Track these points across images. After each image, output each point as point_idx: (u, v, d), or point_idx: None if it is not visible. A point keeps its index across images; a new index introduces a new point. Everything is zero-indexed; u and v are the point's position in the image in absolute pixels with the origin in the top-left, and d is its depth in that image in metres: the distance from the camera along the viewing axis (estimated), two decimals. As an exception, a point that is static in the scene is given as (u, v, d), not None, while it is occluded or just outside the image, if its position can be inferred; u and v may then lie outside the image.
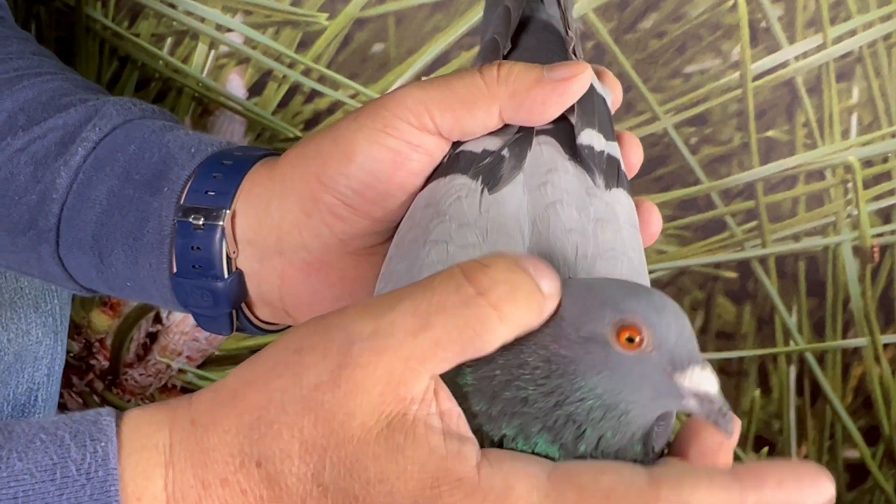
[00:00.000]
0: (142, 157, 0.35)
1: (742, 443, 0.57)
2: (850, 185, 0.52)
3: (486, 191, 0.29)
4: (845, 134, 0.51)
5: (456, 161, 0.31)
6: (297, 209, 0.33)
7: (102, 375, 0.64)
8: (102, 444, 0.26)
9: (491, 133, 0.31)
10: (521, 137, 0.31)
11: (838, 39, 0.49)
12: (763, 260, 0.54)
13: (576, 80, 0.30)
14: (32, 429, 0.27)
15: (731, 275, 0.54)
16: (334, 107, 0.54)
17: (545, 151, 0.31)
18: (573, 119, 0.31)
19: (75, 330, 0.62)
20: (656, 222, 0.32)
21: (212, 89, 0.55)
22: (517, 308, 0.25)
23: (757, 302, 0.54)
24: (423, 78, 0.53)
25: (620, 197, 0.30)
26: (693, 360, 0.25)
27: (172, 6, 0.54)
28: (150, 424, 0.27)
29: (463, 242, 0.28)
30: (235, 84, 0.54)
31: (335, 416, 0.25)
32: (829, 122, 0.51)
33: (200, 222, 0.34)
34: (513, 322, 0.25)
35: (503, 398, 0.25)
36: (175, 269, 0.35)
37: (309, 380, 0.25)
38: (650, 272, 0.54)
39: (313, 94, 0.54)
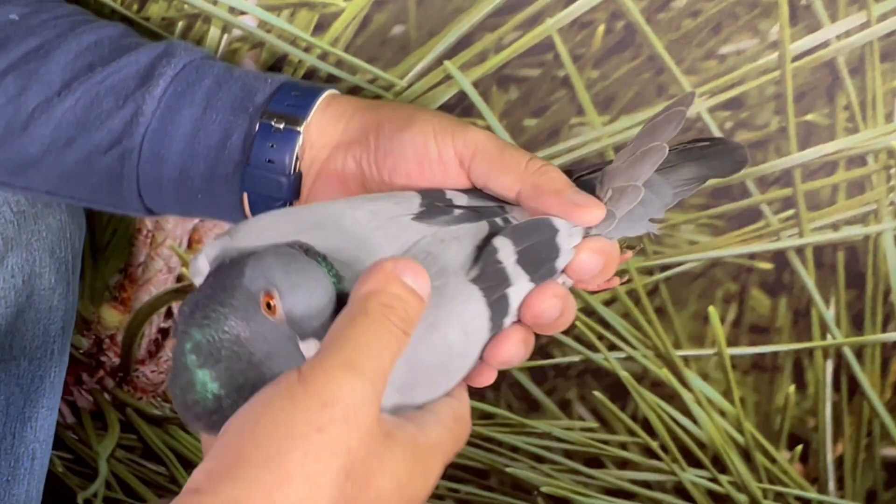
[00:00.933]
0: (220, 88, 0.42)
1: (775, 441, 0.55)
2: (892, 171, 0.50)
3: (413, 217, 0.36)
4: (889, 117, 0.49)
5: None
6: (354, 132, 0.40)
7: (113, 373, 0.62)
8: None
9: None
10: (487, 211, 0.37)
11: (883, 17, 0.47)
12: (800, 250, 0.51)
13: (584, 212, 0.36)
14: None
15: (767, 266, 0.52)
16: (353, 92, 0.52)
17: (478, 232, 0.36)
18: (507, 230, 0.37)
19: (85, 326, 0.60)
20: (512, 346, 0.36)
21: None
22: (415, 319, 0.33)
23: (793, 294, 0.52)
24: (447, 61, 0.50)
25: (470, 295, 0.34)
26: (311, 336, 0.32)
27: (183, -12, 0.52)
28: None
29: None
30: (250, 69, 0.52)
31: (365, 464, 0.30)
32: (872, 104, 0.49)
33: (282, 126, 0.41)
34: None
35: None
36: (250, 162, 0.41)
37: (342, 449, 0.30)
38: (681, 263, 0.53)
39: (330, 79, 0.52)
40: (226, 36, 0.52)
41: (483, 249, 0.35)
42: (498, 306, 0.35)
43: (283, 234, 0.33)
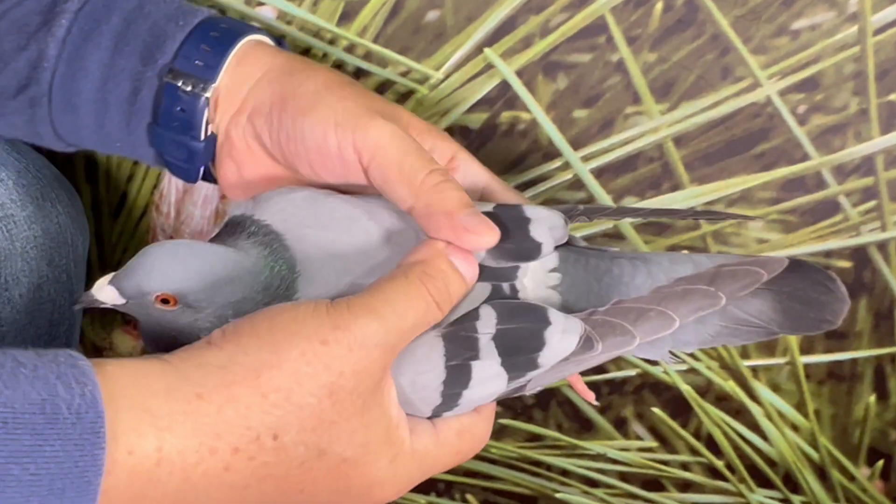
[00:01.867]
0: (128, 29, 0.40)
1: (854, 456, 0.51)
2: None
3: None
4: (984, 94, 0.45)
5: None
6: (258, 103, 0.39)
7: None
8: (90, 388, 0.30)
9: None
10: (498, 273, 0.36)
11: (977, -19, 0.43)
12: (882, 246, 0.48)
13: (472, 238, 0.35)
14: (8, 360, 0.30)
15: (845, 264, 0.48)
16: (383, 87, 0.48)
17: (477, 294, 0.36)
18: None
19: (96, 353, 0.57)
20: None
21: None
22: (452, 303, 0.35)
23: (874, 295, 0.48)
24: (487, 48, 0.46)
25: (432, 347, 0.35)
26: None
27: (195, -22, 0.48)
28: (137, 388, 0.31)
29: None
30: None
31: (350, 398, 0.33)
32: (964, 80, 0.45)
33: (189, 88, 0.39)
34: (448, 310, 0.35)
35: None
36: (158, 122, 0.40)
37: (335, 368, 0.32)
38: None
39: (359, 74, 0.48)
40: None
41: (468, 313, 0.34)
42: (456, 374, 0.34)
43: (301, 224, 0.36)
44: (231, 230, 0.37)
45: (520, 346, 0.34)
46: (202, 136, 0.39)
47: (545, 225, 0.36)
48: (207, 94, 0.39)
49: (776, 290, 0.35)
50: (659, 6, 0.45)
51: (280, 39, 0.41)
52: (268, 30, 0.48)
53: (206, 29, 0.39)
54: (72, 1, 0.40)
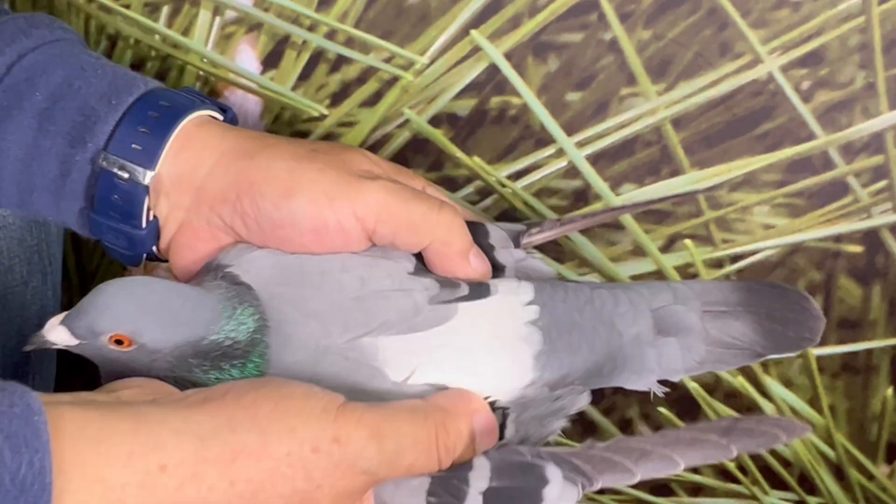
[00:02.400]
0: (54, 106, 0.37)
1: (872, 454, 0.50)
2: None
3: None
4: None
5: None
6: (219, 191, 0.36)
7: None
8: (39, 455, 0.28)
9: None
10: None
11: None
12: (895, 228, 0.46)
13: (478, 275, 0.37)
14: None
15: (856, 249, 0.46)
16: (366, 75, 0.47)
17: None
18: None
19: (84, 277, 0.55)
20: None
21: (219, 65, 0.48)
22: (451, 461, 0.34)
23: (888, 281, 0.47)
24: (473, 30, 0.45)
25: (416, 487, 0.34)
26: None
27: (167, -33, 0.47)
28: (95, 453, 0.29)
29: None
30: (246, 56, 0.47)
31: None
32: (976, 49, 0.43)
33: (126, 176, 0.36)
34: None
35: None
36: (94, 207, 0.37)
37: (315, 480, 0.31)
38: (755, 251, 0.48)
39: (340, 61, 0.47)
40: (218, 19, 0.47)
41: (462, 464, 0.34)
42: None
43: (272, 283, 0.35)
44: (201, 274, 0.36)
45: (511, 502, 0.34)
46: (143, 224, 0.37)
47: (502, 245, 0.38)
48: (146, 183, 0.36)
49: (754, 311, 0.36)
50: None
51: (226, 108, 0.39)
52: (243, 18, 0.47)
53: (143, 108, 0.37)
54: None
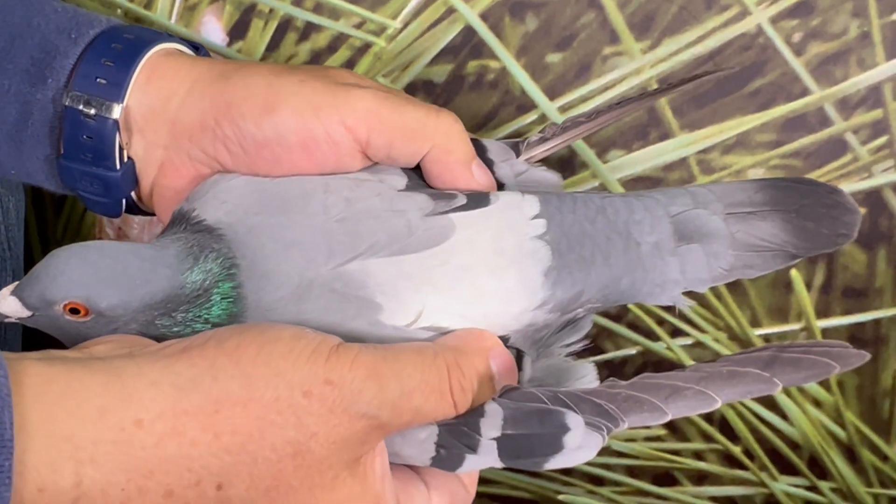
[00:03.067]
0: (12, 45, 0.35)
1: (885, 432, 0.48)
2: None
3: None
4: None
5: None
6: (196, 119, 0.34)
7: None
8: None
9: None
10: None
11: None
12: None
13: (480, 186, 0.34)
14: None
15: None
16: (336, 42, 0.45)
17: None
18: None
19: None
20: None
21: (184, 38, 0.46)
22: (469, 407, 0.31)
23: (893, 244, 0.45)
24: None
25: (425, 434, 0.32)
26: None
27: (127, -63, 0.45)
28: (63, 409, 0.27)
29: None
30: (212, 28, 0.46)
31: (319, 466, 0.29)
32: (975, -9, 0.42)
33: (92, 112, 0.34)
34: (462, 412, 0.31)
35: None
36: (63, 152, 0.35)
37: (308, 427, 0.29)
38: None
39: (309, 29, 0.45)
40: None
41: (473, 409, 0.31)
42: (446, 460, 0.31)
43: (249, 213, 0.33)
44: (168, 229, 0.34)
45: (528, 452, 0.31)
46: (118, 165, 0.35)
47: (501, 158, 0.35)
48: (115, 117, 0.34)
49: (783, 209, 0.33)
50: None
51: (198, 46, 0.38)
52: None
53: (106, 41, 0.35)
54: None
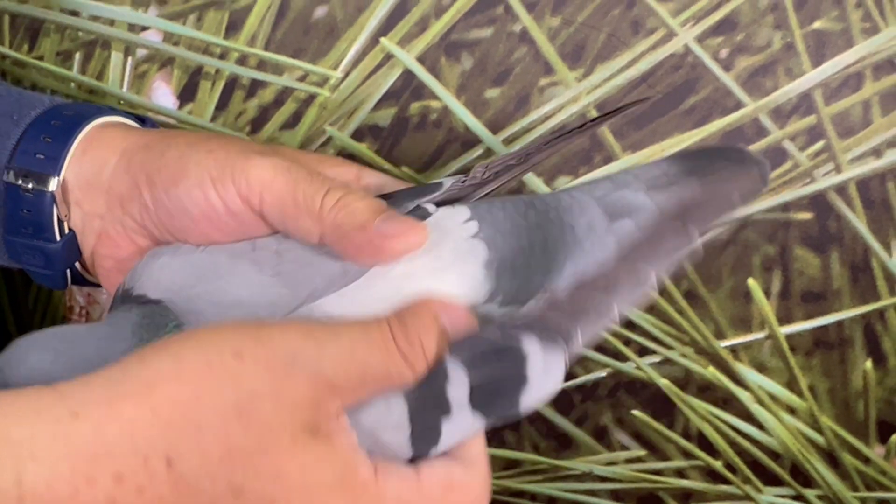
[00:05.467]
0: None
1: (863, 434, 0.49)
2: (930, 71, 0.45)
3: None
4: (911, 6, 0.45)
5: None
6: (124, 188, 0.36)
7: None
8: None
9: None
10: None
11: None
12: (841, 189, 0.47)
13: (396, 243, 0.33)
14: None
15: (805, 216, 0.47)
16: (282, 96, 0.48)
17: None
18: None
19: None
20: None
21: (136, 105, 0.50)
22: (426, 364, 0.31)
23: (844, 245, 0.47)
24: (383, 38, 0.47)
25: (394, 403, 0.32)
26: None
27: (75, 13, 0.49)
28: (2, 416, 0.28)
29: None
30: (162, 92, 0.49)
31: (270, 427, 0.28)
32: (888, -5, 0.45)
33: (30, 186, 0.36)
34: (421, 373, 0.31)
35: None
36: (5, 227, 0.37)
37: (246, 386, 0.28)
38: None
39: (255, 86, 0.48)
40: (130, 59, 0.49)
41: (435, 374, 0.31)
42: (423, 434, 0.32)
43: (185, 286, 0.34)
44: (115, 305, 0.36)
45: (499, 395, 0.32)
46: (57, 237, 0.37)
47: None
48: (51, 189, 0.36)
49: (698, 174, 0.36)
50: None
51: (143, 118, 0.40)
52: (154, 54, 0.49)
53: (47, 118, 0.37)
54: None
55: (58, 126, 0.37)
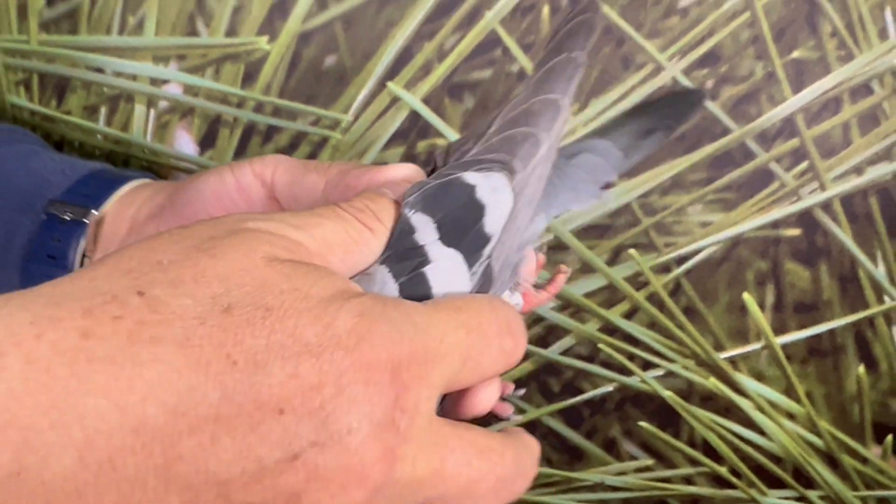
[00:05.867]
0: (8, 182, 0.39)
1: (859, 436, 0.51)
2: (904, 93, 0.48)
3: None
4: (882, 34, 0.47)
5: None
6: (152, 211, 0.38)
7: None
8: None
9: None
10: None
11: (845, -75, 0.46)
12: (826, 206, 0.49)
13: (392, 171, 0.33)
14: None
15: (794, 232, 0.49)
16: (297, 140, 0.51)
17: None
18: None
19: None
20: None
21: (160, 153, 0.52)
22: (380, 223, 0.31)
23: (832, 258, 0.49)
24: (389, 82, 0.50)
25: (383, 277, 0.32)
26: None
27: (100, 70, 0.52)
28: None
29: None
30: (184, 141, 0.52)
31: (238, 250, 0.26)
32: (861, 24, 0.47)
33: (67, 217, 0.38)
34: (379, 230, 0.30)
35: None
36: (24, 257, 0.39)
37: (207, 233, 0.27)
38: (698, 250, 0.50)
39: (271, 131, 0.51)
40: (153, 111, 0.52)
41: (401, 231, 0.31)
42: (412, 288, 0.31)
43: None
44: None
45: (465, 224, 0.32)
46: (73, 267, 0.38)
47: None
48: (87, 220, 0.38)
49: (639, 112, 0.39)
50: (546, 10, 0.48)
51: None
52: (175, 106, 0.52)
53: (91, 177, 0.40)
54: None
55: (105, 178, 0.40)
